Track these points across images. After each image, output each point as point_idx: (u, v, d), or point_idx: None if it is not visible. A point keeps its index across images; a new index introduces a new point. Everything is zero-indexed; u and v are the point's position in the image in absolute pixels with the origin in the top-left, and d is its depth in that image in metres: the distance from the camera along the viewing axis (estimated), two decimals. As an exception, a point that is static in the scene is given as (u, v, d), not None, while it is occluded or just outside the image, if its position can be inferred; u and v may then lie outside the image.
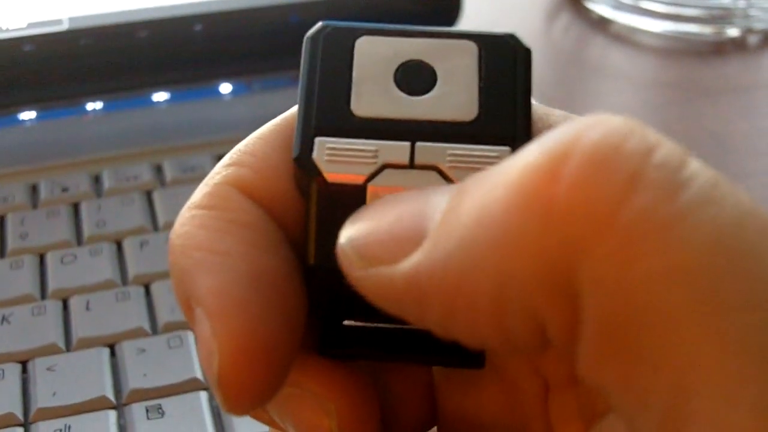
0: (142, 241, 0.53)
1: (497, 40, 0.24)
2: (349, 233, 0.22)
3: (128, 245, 0.53)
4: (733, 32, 0.77)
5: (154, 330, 0.49)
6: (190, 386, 0.46)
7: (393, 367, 0.27)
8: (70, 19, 0.62)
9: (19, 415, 0.45)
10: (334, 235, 0.22)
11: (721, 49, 0.77)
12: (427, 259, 0.20)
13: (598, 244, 0.18)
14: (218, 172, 0.24)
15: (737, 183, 0.19)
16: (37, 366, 0.47)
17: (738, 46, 0.77)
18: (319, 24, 0.24)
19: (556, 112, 0.24)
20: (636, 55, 0.78)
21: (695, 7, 0.78)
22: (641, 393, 0.18)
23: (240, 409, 0.22)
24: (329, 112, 0.23)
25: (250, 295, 0.22)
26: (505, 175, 0.19)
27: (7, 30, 0.62)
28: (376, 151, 0.22)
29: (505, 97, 0.23)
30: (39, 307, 0.50)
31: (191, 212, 0.24)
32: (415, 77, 0.23)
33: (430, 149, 0.22)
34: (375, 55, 0.23)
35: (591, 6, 0.81)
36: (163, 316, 0.49)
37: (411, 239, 0.20)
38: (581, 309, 0.18)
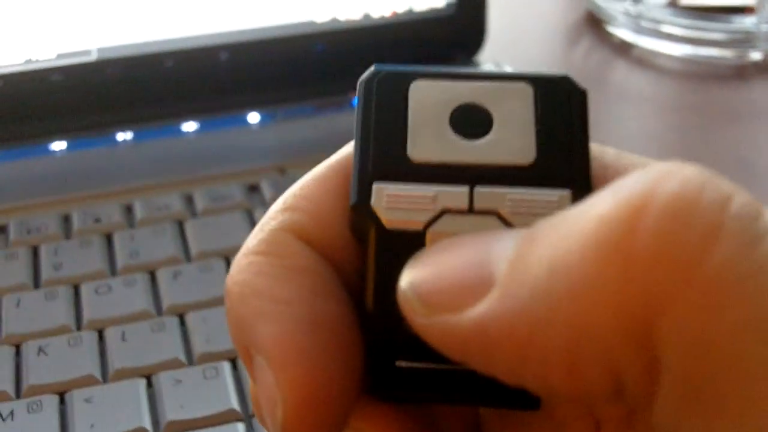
0: (176, 272, 0.54)
1: (552, 81, 0.23)
2: (409, 278, 0.21)
3: (162, 275, 0.54)
4: (756, 56, 0.78)
5: (190, 361, 0.49)
6: (227, 417, 0.46)
7: (442, 408, 0.27)
8: (99, 50, 0.63)
9: (58, 446, 0.45)
10: (393, 282, 0.22)
11: (743, 72, 0.77)
12: (496, 309, 0.20)
13: (681, 296, 0.18)
14: (273, 217, 0.24)
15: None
16: (75, 397, 0.47)
17: (761, 69, 0.77)
18: (372, 68, 0.24)
19: (622, 156, 0.24)
20: (658, 79, 0.78)
21: (717, 31, 0.78)
22: None
23: None
24: (386, 157, 0.23)
25: (311, 343, 0.22)
26: (579, 224, 0.19)
27: (37, 61, 0.62)
28: (435, 196, 0.22)
29: (563, 140, 0.23)
30: (75, 338, 0.50)
31: (248, 259, 0.24)
32: (471, 121, 0.23)
33: (489, 194, 0.22)
34: (430, 99, 0.23)
35: (612, 30, 0.82)
36: (199, 347, 0.49)
37: (476, 287, 0.20)
38: (661, 361, 0.18)
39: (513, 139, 0.23)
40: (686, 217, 0.18)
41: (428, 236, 0.22)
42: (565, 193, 0.22)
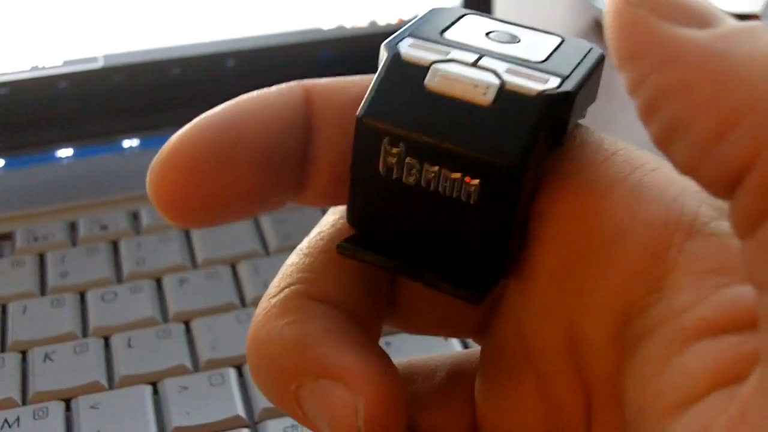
0: (181, 279, 0.54)
1: (581, 42, 0.26)
2: None
3: (168, 282, 0.54)
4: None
5: (196, 367, 0.49)
6: (233, 423, 0.46)
7: (437, 389, 0.29)
8: (105, 57, 0.63)
9: (64, 453, 0.45)
10: (388, 100, 0.24)
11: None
12: (705, 39, 0.21)
13: None
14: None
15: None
16: (81, 404, 0.47)
17: None
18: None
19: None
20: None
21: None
22: None
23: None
24: (425, 29, 0.26)
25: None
26: None
27: (43, 68, 0.62)
28: (449, 51, 0.25)
29: (572, 64, 0.25)
30: (81, 345, 0.50)
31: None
32: (503, 37, 0.26)
33: (494, 61, 0.25)
34: (475, 23, 0.27)
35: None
36: (204, 354, 0.49)
37: (696, 17, 0.21)
38: None
39: (531, 50, 0.26)
40: None
41: (431, 70, 0.24)
42: (556, 79, 0.24)
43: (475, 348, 0.29)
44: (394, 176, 0.25)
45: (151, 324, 0.51)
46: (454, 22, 0.26)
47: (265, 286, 0.30)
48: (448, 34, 0.26)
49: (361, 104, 0.24)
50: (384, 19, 0.67)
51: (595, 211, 0.24)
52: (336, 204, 0.27)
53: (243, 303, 0.53)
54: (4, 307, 0.53)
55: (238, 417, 0.46)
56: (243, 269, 0.54)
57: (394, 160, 0.24)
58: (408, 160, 0.24)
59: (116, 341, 0.50)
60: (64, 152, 0.64)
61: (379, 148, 0.24)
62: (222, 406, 0.47)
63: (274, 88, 0.26)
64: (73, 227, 0.59)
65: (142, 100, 0.65)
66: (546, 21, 0.85)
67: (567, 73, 0.24)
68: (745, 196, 0.20)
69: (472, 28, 0.26)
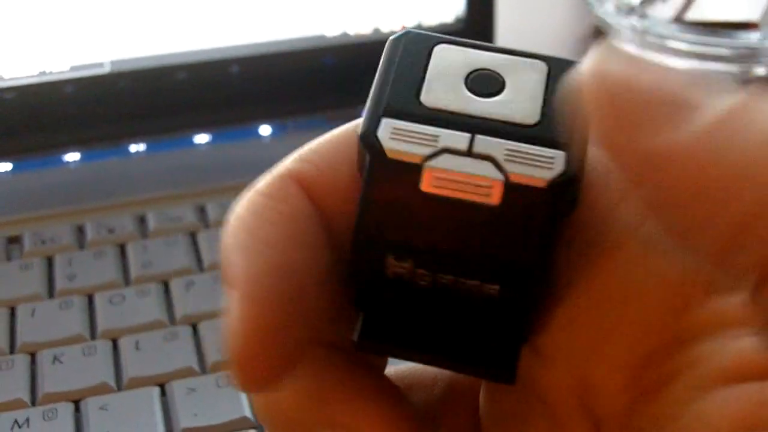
0: (188, 282, 0.54)
1: (566, 63, 0.24)
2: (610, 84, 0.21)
3: (175, 286, 0.54)
4: (760, 71, 0.78)
5: (203, 369, 0.50)
6: (240, 425, 0.46)
7: (437, 400, 0.28)
8: (112, 62, 0.64)
9: (73, 454, 0.45)
10: (385, 208, 0.23)
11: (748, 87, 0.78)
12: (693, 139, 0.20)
13: None
14: (285, 164, 0.25)
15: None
16: (90, 405, 0.47)
17: (766, 84, 0.78)
18: (403, 29, 0.25)
19: None
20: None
21: (722, 46, 0.78)
22: None
23: (249, 386, 0.23)
24: (399, 98, 0.23)
25: (274, 285, 0.23)
26: None
27: (50, 73, 0.63)
28: (438, 136, 0.23)
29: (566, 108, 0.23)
30: (89, 347, 0.50)
31: (251, 198, 0.25)
32: (485, 82, 0.24)
33: (489, 142, 0.23)
34: (450, 60, 0.24)
35: (618, 45, 0.82)
36: (212, 356, 0.50)
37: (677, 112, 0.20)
38: None
39: (520, 102, 0.23)
40: None
41: (424, 171, 0.22)
42: (561, 153, 0.23)
43: None
44: (404, 280, 0.23)
45: (158, 326, 0.52)
46: (426, 67, 0.24)
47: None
48: (426, 97, 0.23)
49: (356, 218, 0.23)
50: (388, 26, 0.67)
51: (607, 266, 0.24)
52: None
53: (249, 306, 0.53)
54: (12, 310, 0.53)
55: (245, 418, 0.47)
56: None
57: (403, 271, 0.23)
58: (419, 271, 0.23)
59: (124, 343, 0.51)
60: (71, 156, 0.64)
61: (384, 260, 0.23)
62: (229, 407, 0.47)
63: (272, 209, 0.24)
64: (80, 230, 0.59)
65: (148, 104, 0.65)
66: (546, 29, 0.86)
67: (569, 141, 0.23)
68: None
69: (449, 76, 0.24)
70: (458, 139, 0.23)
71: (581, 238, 0.24)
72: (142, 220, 0.60)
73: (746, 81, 0.78)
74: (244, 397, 0.47)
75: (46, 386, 0.49)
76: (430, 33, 0.25)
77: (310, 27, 0.66)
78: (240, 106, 0.67)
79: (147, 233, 0.59)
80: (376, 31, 0.67)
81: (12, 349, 0.51)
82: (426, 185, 0.22)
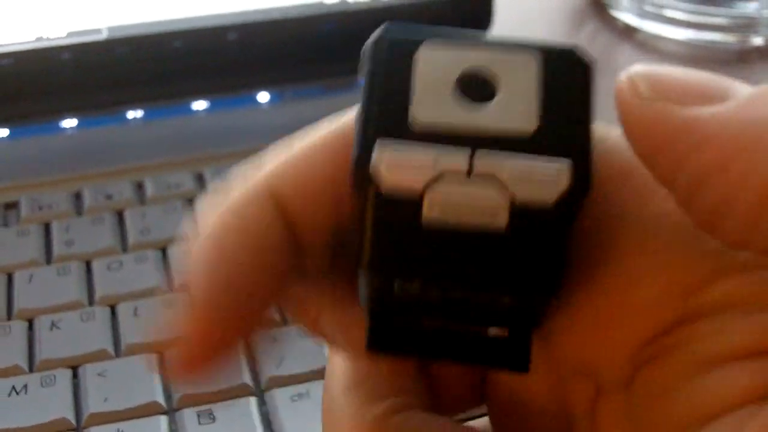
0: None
1: (560, 53, 0.23)
2: (643, 70, 0.23)
3: (173, 252, 0.54)
4: (757, 40, 0.78)
5: (202, 336, 0.50)
6: (240, 392, 0.47)
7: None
8: (109, 29, 0.63)
9: (72, 420, 0.45)
10: (390, 240, 0.22)
11: (746, 57, 0.78)
12: (728, 113, 0.21)
13: None
14: (260, 177, 0.25)
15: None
16: (88, 371, 0.47)
17: (763, 54, 0.78)
18: (383, 27, 0.24)
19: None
20: (661, 63, 0.78)
21: (719, 15, 0.78)
22: None
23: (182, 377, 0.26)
24: (389, 118, 0.23)
25: (225, 296, 0.24)
26: None
27: (47, 39, 0.62)
28: (435, 158, 0.22)
29: (565, 111, 0.23)
30: (87, 313, 0.50)
31: (224, 218, 0.25)
32: (476, 86, 0.23)
33: (489, 159, 0.22)
34: (436, 63, 0.23)
35: (616, 14, 0.82)
36: (210, 323, 0.50)
37: (709, 93, 0.22)
38: None
39: (516, 106, 0.23)
40: None
41: (425, 198, 0.22)
42: (564, 163, 0.22)
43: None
44: (414, 298, 0.23)
45: (156, 293, 0.52)
46: (412, 72, 0.23)
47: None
48: (418, 112, 0.23)
49: (364, 252, 0.22)
50: (386, -6, 0.67)
51: (610, 252, 0.24)
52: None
53: (248, 273, 0.53)
54: (10, 276, 0.53)
55: (244, 385, 0.47)
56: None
57: (412, 291, 0.23)
58: (428, 290, 0.23)
59: (122, 309, 0.51)
60: (69, 123, 0.64)
61: (392, 284, 0.23)
62: (229, 374, 0.47)
63: (239, 205, 0.25)
64: (78, 197, 0.59)
65: (146, 71, 0.65)
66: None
67: (569, 144, 0.22)
68: None
69: (438, 85, 0.23)
70: (457, 159, 0.22)
71: (590, 225, 0.24)
72: (139, 187, 0.59)
73: (744, 51, 0.78)
74: (243, 364, 0.47)
75: (43, 352, 0.48)
76: (410, 27, 0.24)
77: (309, -6, 0.66)
78: (238, 74, 0.66)
79: (145, 200, 0.59)
80: (375, -2, 0.67)
81: (9, 316, 0.51)
82: (428, 212, 0.22)
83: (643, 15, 0.81)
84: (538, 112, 0.23)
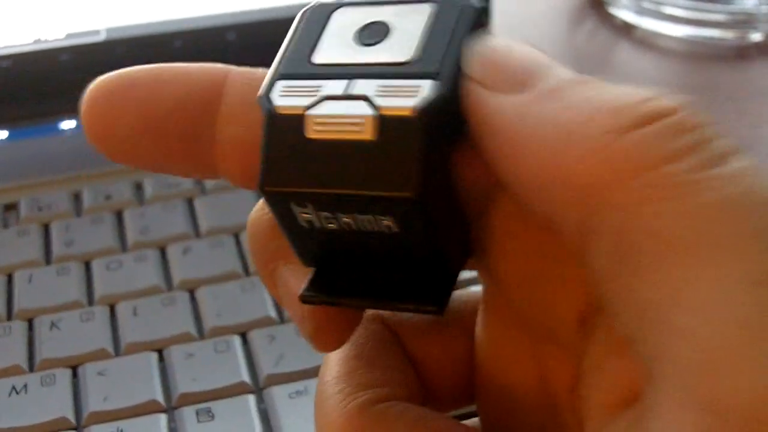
0: (185, 248, 0.54)
1: (453, 2, 0.25)
2: (480, 48, 0.24)
3: (172, 252, 0.54)
4: (756, 37, 0.78)
5: (201, 334, 0.50)
6: (238, 389, 0.47)
7: (433, 340, 0.29)
8: (108, 30, 0.63)
9: (72, 419, 0.46)
10: (278, 159, 0.24)
11: (744, 53, 0.78)
12: (522, 105, 0.22)
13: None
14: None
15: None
16: (88, 371, 0.48)
17: (762, 50, 0.78)
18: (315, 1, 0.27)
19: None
20: (660, 60, 0.78)
21: (718, 12, 0.78)
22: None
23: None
24: (293, 62, 0.25)
25: None
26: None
27: (46, 40, 0.63)
28: (318, 86, 0.24)
29: (442, 45, 0.24)
30: (87, 313, 0.51)
31: None
32: (372, 33, 0.25)
33: (364, 84, 0.24)
34: (345, 20, 0.26)
35: (614, 11, 0.82)
36: (209, 321, 0.50)
37: (520, 79, 0.22)
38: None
39: (400, 44, 0.25)
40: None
41: (306, 119, 0.24)
42: (428, 82, 0.24)
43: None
44: (317, 227, 0.25)
45: (156, 292, 0.52)
46: (324, 28, 0.26)
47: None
48: (317, 56, 0.25)
49: (259, 173, 0.24)
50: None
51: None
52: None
53: (246, 272, 0.53)
54: (10, 276, 0.54)
55: (243, 383, 0.47)
56: (246, 238, 0.54)
57: (309, 216, 0.25)
58: (321, 213, 0.24)
59: (122, 309, 0.51)
60: (68, 124, 0.64)
61: (290, 209, 0.25)
62: (227, 372, 0.47)
63: (200, 65, 0.28)
64: (77, 197, 0.59)
65: (145, 72, 0.65)
66: (543, -5, 0.86)
67: (438, 67, 0.24)
68: None
69: (342, 33, 0.25)
70: (336, 86, 0.24)
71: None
72: (138, 187, 0.60)
73: (742, 47, 0.78)
74: (242, 362, 0.48)
75: (43, 352, 0.49)
76: (340, 1, 0.26)
77: (307, -7, 0.66)
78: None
79: (144, 200, 0.59)
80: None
81: (9, 316, 0.51)
82: (309, 132, 0.24)
83: (642, 12, 0.81)
84: (417, 46, 0.24)
